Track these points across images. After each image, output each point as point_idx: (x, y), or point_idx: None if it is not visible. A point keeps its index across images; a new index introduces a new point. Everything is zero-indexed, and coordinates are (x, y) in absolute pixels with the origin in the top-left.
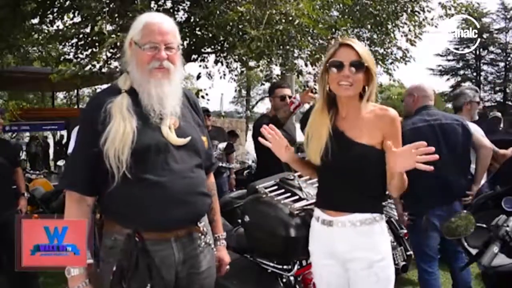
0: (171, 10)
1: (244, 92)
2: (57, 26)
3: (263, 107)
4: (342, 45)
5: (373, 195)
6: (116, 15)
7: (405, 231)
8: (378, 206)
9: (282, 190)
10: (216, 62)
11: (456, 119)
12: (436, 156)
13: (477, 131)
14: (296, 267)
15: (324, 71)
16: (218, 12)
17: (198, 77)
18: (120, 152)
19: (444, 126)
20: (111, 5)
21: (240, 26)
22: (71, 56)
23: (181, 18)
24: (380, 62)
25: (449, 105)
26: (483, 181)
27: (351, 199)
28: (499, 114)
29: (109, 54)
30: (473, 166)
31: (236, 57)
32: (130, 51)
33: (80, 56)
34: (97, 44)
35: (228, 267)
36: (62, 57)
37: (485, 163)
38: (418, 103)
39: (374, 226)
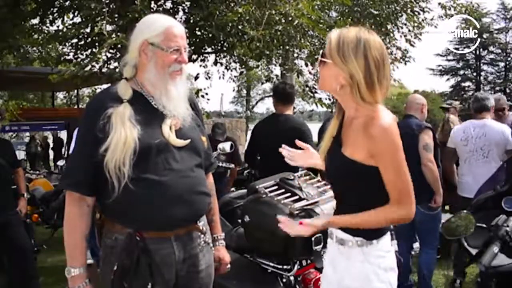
0: (171, 11)
1: (244, 92)
2: (57, 26)
3: (263, 107)
4: None
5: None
6: (116, 15)
7: None
8: (364, 230)
9: (282, 190)
10: (215, 63)
11: (411, 127)
12: None
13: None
14: (296, 267)
15: None
16: (217, 12)
17: (196, 77)
18: (121, 163)
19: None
20: (111, 6)
21: (239, 27)
22: (71, 57)
23: (181, 18)
24: None
25: None
26: None
27: (339, 213)
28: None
29: (109, 55)
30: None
31: (236, 57)
32: (145, 53)
33: (80, 56)
34: (97, 44)
35: (228, 266)
36: (62, 58)
37: None
38: (405, 111)
39: (353, 250)
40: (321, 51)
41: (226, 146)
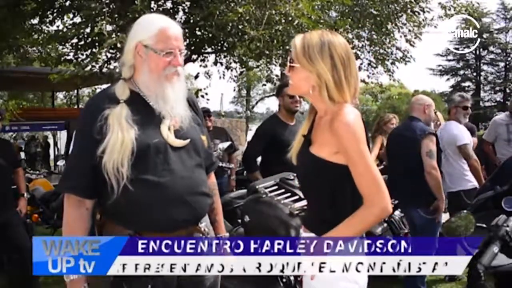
0: (171, 11)
1: (244, 92)
2: (57, 26)
3: (263, 107)
4: None
5: (324, 217)
6: (116, 15)
7: (406, 230)
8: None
9: (282, 190)
10: (215, 63)
11: (415, 132)
12: None
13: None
14: None
15: None
16: (217, 12)
17: (196, 77)
18: (119, 164)
19: (400, 136)
20: (111, 6)
21: (239, 27)
22: (71, 57)
23: (181, 18)
24: (380, 62)
25: None
26: None
27: (308, 213)
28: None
29: (109, 55)
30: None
31: (236, 57)
32: (139, 55)
33: (80, 56)
34: (97, 44)
35: None
36: (62, 58)
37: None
38: (409, 111)
39: None
40: (288, 57)
41: (226, 146)
